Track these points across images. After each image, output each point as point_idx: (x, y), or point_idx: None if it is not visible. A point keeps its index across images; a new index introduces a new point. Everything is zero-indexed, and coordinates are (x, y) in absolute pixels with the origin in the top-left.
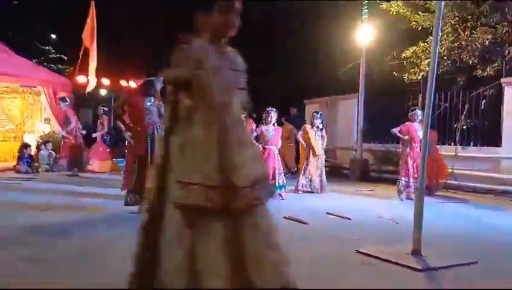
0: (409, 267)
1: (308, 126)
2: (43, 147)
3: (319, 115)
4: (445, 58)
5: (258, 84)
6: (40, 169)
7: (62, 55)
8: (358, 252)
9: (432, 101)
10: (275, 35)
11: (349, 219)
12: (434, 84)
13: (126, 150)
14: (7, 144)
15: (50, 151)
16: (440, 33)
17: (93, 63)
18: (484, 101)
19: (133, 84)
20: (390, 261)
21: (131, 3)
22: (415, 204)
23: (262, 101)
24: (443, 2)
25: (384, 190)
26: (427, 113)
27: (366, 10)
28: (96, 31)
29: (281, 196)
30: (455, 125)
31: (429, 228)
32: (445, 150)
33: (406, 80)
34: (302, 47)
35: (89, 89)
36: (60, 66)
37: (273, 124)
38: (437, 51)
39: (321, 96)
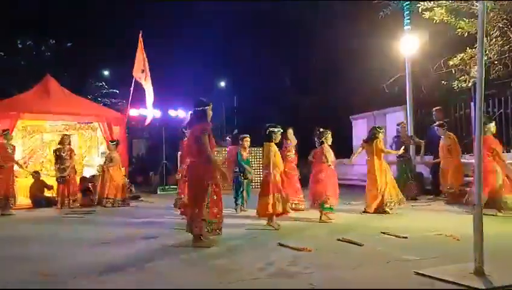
0: (471, 288)
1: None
2: None
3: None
4: (496, 62)
5: (302, 102)
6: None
7: (114, 90)
8: (417, 273)
9: (482, 109)
10: (316, 53)
11: (406, 237)
12: (483, 90)
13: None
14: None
15: None
16: (485, 37)
17: (149, 98)
18: None
19: (182, 113)
20: (451, 282)
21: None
22: (474, 219)
23: (309, 120)
24: (486, 3)
25: (441, 204)
26: (478, 123)
27: (408, 21)
28: (147, 65)
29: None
30: None
31: (493, 243)
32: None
33: (455, 88)
34: (344, 62)
35: (147, 122)
36: (113, 100)
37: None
38: (483, 55)
39: (367, 110)
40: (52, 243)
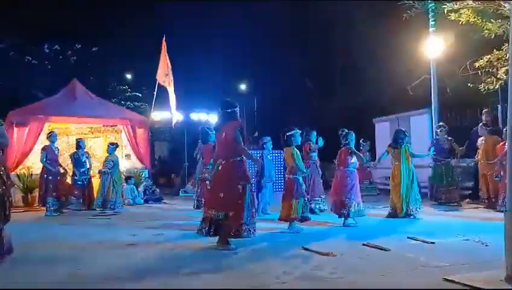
0: None
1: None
2: (125, 182)
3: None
4: None
5: (324, 104)
6: (124, 204)
7: (137, 93)
8: (446, 280)
9: None
10: (339, 55)
11: (433, 242)
12: None
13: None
14: (93, 181)
15: (132, 185)
16: None
17: (173, 101)
18: None
19: (204, 116)
20: (482, 289)
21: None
22: (505, 224)
23: (332, 122)
24: None
25: (468, 209)
26: (510, 124)
27: (433, 22)
28: (171, 70)
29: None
30: None
31: None
32: None
33: (482, 90)
34: (368, 64)
35: (173, 123)
36: (135, 103)
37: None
38: None
39: (391, 113)
40: (80, 245)
